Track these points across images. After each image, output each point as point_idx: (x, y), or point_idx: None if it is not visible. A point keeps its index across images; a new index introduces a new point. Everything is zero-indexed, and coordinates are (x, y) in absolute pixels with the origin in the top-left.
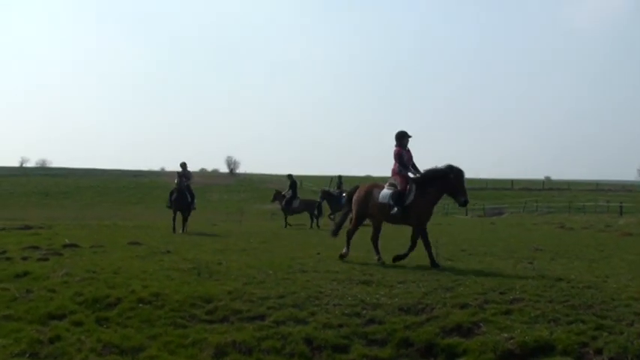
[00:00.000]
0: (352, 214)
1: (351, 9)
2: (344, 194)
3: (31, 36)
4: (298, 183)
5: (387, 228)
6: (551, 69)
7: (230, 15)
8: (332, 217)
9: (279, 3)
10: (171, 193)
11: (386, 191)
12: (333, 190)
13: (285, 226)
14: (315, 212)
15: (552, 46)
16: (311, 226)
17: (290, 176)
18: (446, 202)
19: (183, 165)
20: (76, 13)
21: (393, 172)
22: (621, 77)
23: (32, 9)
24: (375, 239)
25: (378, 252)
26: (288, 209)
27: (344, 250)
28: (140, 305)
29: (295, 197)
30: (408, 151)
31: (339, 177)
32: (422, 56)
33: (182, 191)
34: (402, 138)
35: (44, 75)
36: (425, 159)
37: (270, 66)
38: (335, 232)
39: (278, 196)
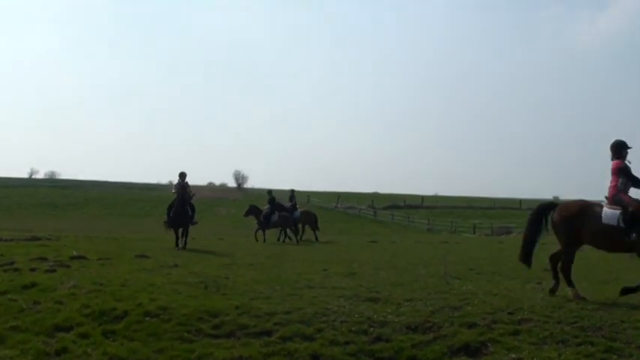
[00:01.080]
0: (559, 237)
1: (356, 19)
2: (297, 209)
3: (42, 48)
4: (305, 199)
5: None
6: (562, 88)
7: (240, 27)
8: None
9: (284, 17)
10: (170, 208)
11: (611, 211)
12: (286, 204)
13: (263, 241)
14: (293, 227)
15: (561, 66)
16: (283, 240)
17: (270, 192)
18: (454, 220)
19: (183, 175)
20: (86, 26)
21: (613, 189)
22: (633, 96)
23: (44, 22)
24: (567, 268)
25: (571, 283)
26: (267, 224)
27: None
28: (147, 318)
29: (273, 212)
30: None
31: (292, 191)
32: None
33: (182, 205)
34: (621, 149)
35: (54, 87)
36: (432, 173)
37: (279, 79)
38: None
39: (254, 209)
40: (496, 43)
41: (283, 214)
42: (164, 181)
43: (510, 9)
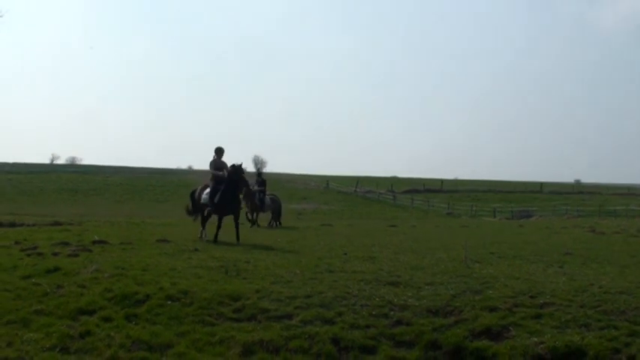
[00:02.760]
0: None
1: (376, 11)
2: (266, 194)
3: (63, 36)
4: (324, 183)
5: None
6: (581, 71)
7: (258, 14)
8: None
9: (305, 4)
10: (193, 193)
11: None
12: (253, 188)
13: (256, 226)
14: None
15: (583, 48)
16: (276, 225)
17: (259, 174)
18: (473, 204)
19: (221, 151)
20: (108, 17)
21: None
22: None
23: (67, 12)
24: None
25: None
26: (263, 207)
27: None
28: (169, 302)
29: (265, 195)
30: None
31: (260, 174)
32: (453, 55)
33: (234, 188)
34: None
35: (75, 74)
36: (452, 157)
37: (297, 64)
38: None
39: (247, 191)
40: (518, 26)
41: (274, 198)
42: (183, 166)
43: None
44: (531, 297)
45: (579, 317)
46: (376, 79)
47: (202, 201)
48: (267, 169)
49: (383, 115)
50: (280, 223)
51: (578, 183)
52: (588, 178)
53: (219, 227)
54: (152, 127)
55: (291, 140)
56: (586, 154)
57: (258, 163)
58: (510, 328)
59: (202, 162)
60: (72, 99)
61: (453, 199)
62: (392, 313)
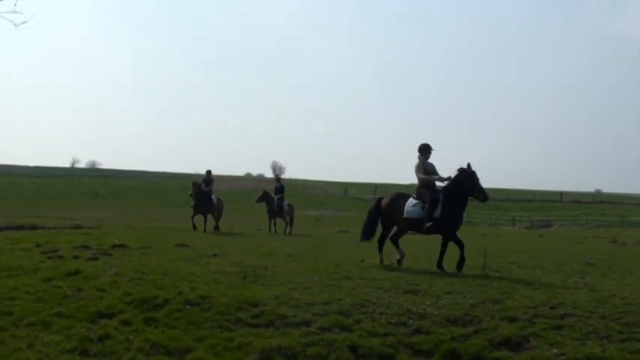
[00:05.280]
0: None
1: (397, 15)
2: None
3: (86, 40)
4: (342, 190)
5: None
6: (602, 82)
7: (280, 17)
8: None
9: (323, 10)
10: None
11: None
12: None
13: (273, 231)
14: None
15: (606, 58)
16: (290, 232)
17: (279, 179)
18: (492, 212)
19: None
20: (126, 22)
21: None
22: None
23: (88, 17)
24: None
25: None
26: (281, 213)
27: None
28: (187, 307)
29: (284, 201)
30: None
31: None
32: (467, 61)
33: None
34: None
35: (95, 79)
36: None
37: (317, 71)
38: None
39: (267, 196)
40: (539, 34)
41: (290, 204)
42: (202, 170)
43: None
44: (552, 308)
45: (600, 329)
46: (395, 85)
47: (407, 215)
48: (286, 174)
49: (402, 121)
50: (291, 232)
51: (598, 192)
52: (609, 187)
53: (443, 251)
54: (172, 131)
55: (309, 146)
56: (607, 164)
57: (277, 169)
58: (530, 338)
59: (221, 167)
60: (92, 103)
61: (471, 207)
62: (410, 321)
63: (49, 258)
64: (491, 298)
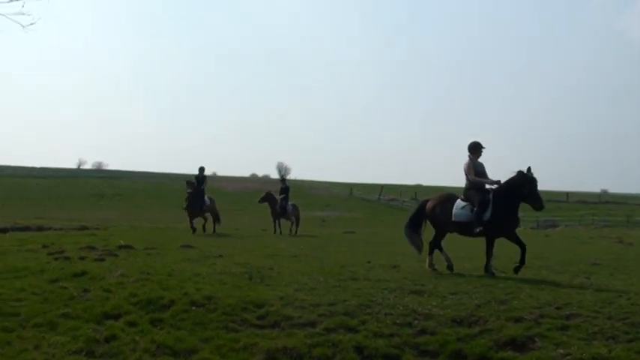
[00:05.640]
0: None
1: (401, 11)
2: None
3: (88, 42)
4: (348, 190)
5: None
6: (606, 81)
7: (283, 16)
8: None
9: (325, 8)
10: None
11: None
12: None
13: (279, 232)
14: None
15: (610, 58)
16: (296, 232)
17: (283, 180)
18: None
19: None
20: (129, 23)
21: None
22: None
23: (91, 18)
24: None
25: None
26: (285, 213)
27: None
28: (193, 308)
29: (288, 202)
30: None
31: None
32: (474, 57)
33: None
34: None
35: (101, 80)
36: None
37: (324, 72)
38: None
39: (269, 197)
40: (539, 34)
41: (295, 204)
42: (208, 172)
43: None
44: (557, 308)
45: (606, 329)
46: (400, 86)
47: (455, 218)
48: (291, 175)
49: (408, 122)
50: (296, 232)
51: (604, 193)
52: (615, 188)
53: (490, 255)
54: (177, 132)
55: (314, 147)
56: (613, 164)
57: (282, 169)
58: (536, 339)
59: (226, 167)
60: (100, 105)
61: None
62: (416, 322)
63: (56, 259)
64: (496, 298)
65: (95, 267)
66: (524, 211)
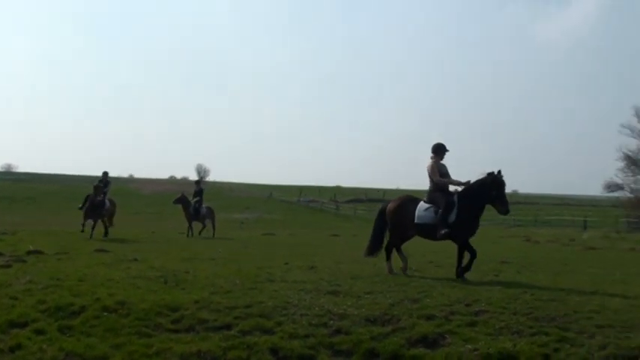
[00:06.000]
0: None
1: (329, 10)
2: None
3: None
4: (269, 193)
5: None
6: (514, 82)
7: (212, 16)
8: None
9: (259, 6)
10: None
11: None
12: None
13: (191, 235)
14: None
15: (525, 60)
16: (214, 235)
17: (198, 182)
18: None
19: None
20: (44, 21)
21: None
22: (588, 94)
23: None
24: None
25: None
26: (197, 216)
27: None
28: (105, 314)
29: (202, 204)
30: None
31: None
32: (410, 58)
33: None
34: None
35: (15, 83)
36: (393, 166)
37: (245, 74)
38: None
39: (183, 199)
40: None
41: (209, 207)
42: (124, 174)
43: None
44: (467, 305)
45: (512, 324)
46: (322, 86)
47: (418, 220)
48: (210, 177)
49: (328, 123)
50: (214, 235)
51: (515, 193)
52: (525, 188)
53: (461, 258)
54: (92, 134)
55: (234, 149)
56: (523, 165)
57: (201, 171)
58: (446, 335)
59: (145, 170)
60: (10, 108)
61: None
62: (331, 322)
63: None
64: (409, 297)
65: (1, 274)
66: None
